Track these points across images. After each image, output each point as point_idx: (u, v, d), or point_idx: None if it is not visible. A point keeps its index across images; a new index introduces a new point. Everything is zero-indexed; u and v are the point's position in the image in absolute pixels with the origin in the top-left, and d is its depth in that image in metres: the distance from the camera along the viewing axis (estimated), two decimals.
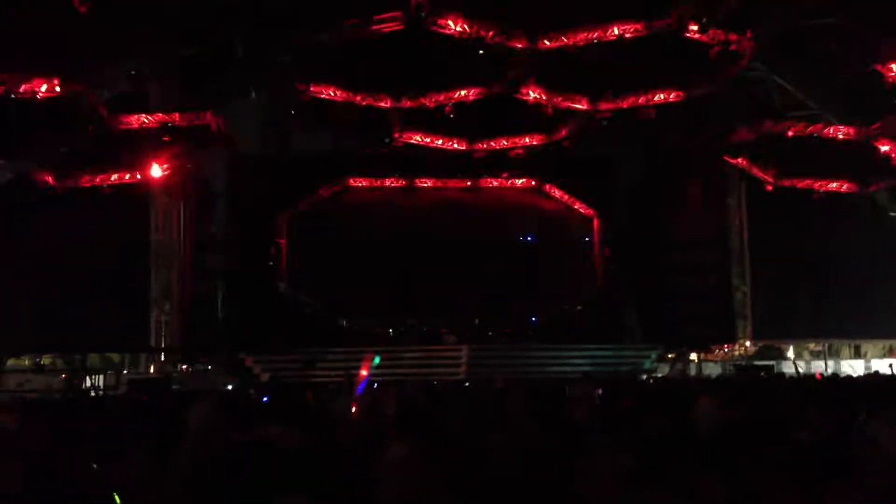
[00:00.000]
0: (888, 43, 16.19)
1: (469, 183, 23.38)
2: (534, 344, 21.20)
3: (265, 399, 8.99)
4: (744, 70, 17.90)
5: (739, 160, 20.88)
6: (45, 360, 19.71)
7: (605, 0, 16.12)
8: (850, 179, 20.90)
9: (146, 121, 17.76)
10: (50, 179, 17.82)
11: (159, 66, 17.97)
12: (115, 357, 21.75)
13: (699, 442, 4.05)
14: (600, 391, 7.79)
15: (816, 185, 20.94)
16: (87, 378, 18.37)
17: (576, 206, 23.53)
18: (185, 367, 20.68)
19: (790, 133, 19.41)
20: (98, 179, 18.57)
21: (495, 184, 23.45)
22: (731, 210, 22.05)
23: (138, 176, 18.67)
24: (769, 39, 17.66)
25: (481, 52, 16.18)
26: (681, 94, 18.18)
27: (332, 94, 17.90)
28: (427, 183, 23.36)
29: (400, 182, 23.24)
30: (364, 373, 7.17)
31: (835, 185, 21.07)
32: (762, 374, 17.33)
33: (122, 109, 17.65)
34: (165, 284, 20.30)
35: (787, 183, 20.84)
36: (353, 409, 5.91)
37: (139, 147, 18.14)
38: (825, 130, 19.48)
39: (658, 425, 5.40)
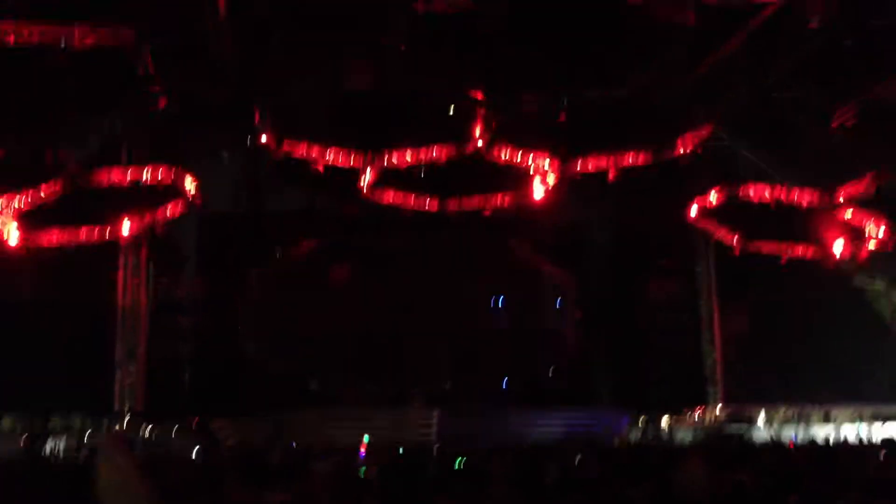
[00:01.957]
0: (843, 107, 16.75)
1: (441, 243, 23.33)
2: (505, 408, 21.00)
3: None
4: (710, 136, 18.33)
5: (708, 224, 21.21)
6: (5, 422, 19.07)
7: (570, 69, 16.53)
8: (815, 246, 21.23)
9: (116, 179, 17.61)
10: (16, 234, 17.47)
11: (130, 123, 17.95)
12: (78, 421, 21.13)
13: None
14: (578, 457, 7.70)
15: (783, 250, 21.25)
16: (48, 442, 17.79)
17: (547, 268, 23.60)
18: (149, 430, 20.13)
19: (754, 198, 19.79)
20: (66, 237, 18.28)
21: (466, 244, 23.41)
22: (700, 275, 22.35)
23: (107, 234, 18.41)
24: (732, 110, 18.23)
25: (452, 109, 16.37)
26: (649, 157, 18.47)
27: (304, 152, 17.91)
28: (398, 243, 23.25)
29: (371, 242, 23.13)
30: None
31: (800, 250, 21.37)
32: (736, 440, 17.27)
33: (91, 166, 17.53)
34: (131, 346, 19.92)
35: (752, 248, 21.13)
36: (367, 471, 5.83)
37: (109, 204, 17.94)
38: (789, 195, 19.90)
39: (642, 491, 5.33)
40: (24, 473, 8.90)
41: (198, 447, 15.60)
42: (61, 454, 15.79)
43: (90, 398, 19.16)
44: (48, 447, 17.12)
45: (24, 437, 17.53)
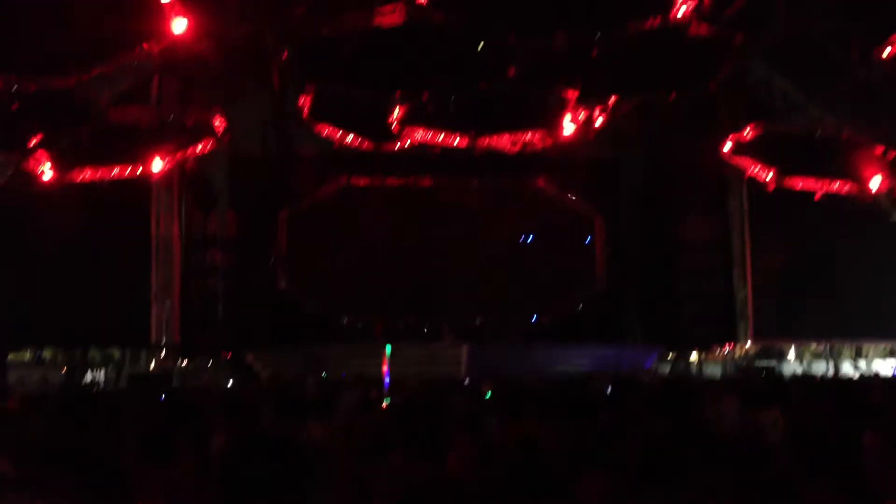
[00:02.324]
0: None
1: (471, 182, 23.24)
2: (534, 343, 21.20)
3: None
4: (745, 70, 17.90)
5: (741, 161, 20.88)
6: (46, 353, 19.68)
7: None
8: (851, 182, 20.84)
9: (147, 117, 17.73)
10: (50, 173, 17.74)
11: (163, 63, 17.94)
12: (116, 353, 21.73)
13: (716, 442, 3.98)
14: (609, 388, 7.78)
15: (818, 186, 20.89)
16: (88, 373, 18.37)
17: (578, 207, 23.47)
18: (185, 363, 20.67)
19: (792, 134, 19.42)
20: (98, 174, 18.50)
21: (499, 184, 23.31)
22: (733, 213, 22.13)
23: (139, 172, 18.61)
24: (772, 41, 17.69)
25: (483, 45, 16.10)
26: (683, 92, 18.10)
27: (334, 89, 17.79)
28: (428, 182, 23.21)
29: (401, 181, 23.12)
30: (385, 368, 7.22)
31: (836, 186, 20.99)
32: (763, 374, 17.30)
33: (123, 104, 17.64)
34: (166, 281, 20.32)
35: (788, 184, 20.80)
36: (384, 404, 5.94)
37: (140, 142, 18.09)
38: (828, 132, 19.51)
39: (668, 424, 5.37)
40: (64, 402, 9.22)
41: (232, 379, 16.03)
42: (101, 384, 16.32)
43: (127, 331, 19.66)
44: (87, 378, 17.69)
45: (64, 368, 18.11)
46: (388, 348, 10.41)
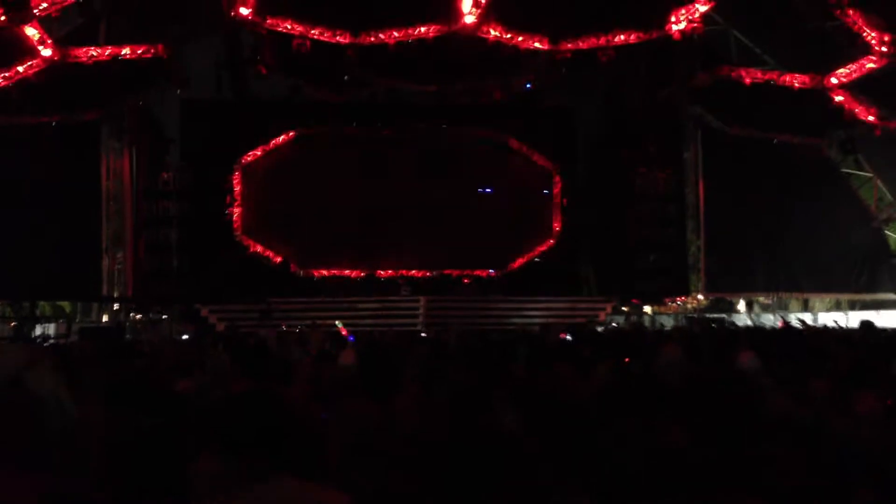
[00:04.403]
0: None
1: (430, 131, 23.02)
2: (490, 295, 21.33)
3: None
4: (702, 22, 17.89)
5: (696, 111, 21.11)
6: None
7: None
8: (803, 131, 21.14)
9: (95, 54, 17.14)
10: None
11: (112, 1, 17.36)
12: (67, 306, 21.31)
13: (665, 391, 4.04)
14: (567, 336, 7.85)
15: (770, 136, 21.16)
16: (37, 326, 17.97)
17: (535, 159, 23.46)
18: (138, 316, 20.37)
19: (747, 80, 19.56)
20: (44, 118, 17.90)
21: (455, 135, 23.14)
22: (687, 164, 22.33)
23: (88, 115, 18.08)
24: None
25: None
26: (641, 36, 18.05)
27: (289, 27, 17.37)
28: (385, 131, 22.93)
29: (358, 131, 22.81)
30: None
31: (787, 136, 21.27)
32: (713, 325, 17.62)
33: (71, 43, 17.04)
34: (117, 232, 19.89)
35: (741, 132, 21.00)
36: (351, 357, 5.92)
37: (89, 83, 17.52)
38: (781, 78, 19.70)
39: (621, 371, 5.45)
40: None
41: (191, 331, 15.84)
42: (50, 339, 15.98)
43: (78, 284, 19.24)
44: (36, 332, 17.32)
45: (13, 322, 17.71)
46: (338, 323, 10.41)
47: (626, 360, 6.27)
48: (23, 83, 16.68)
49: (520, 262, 22.73)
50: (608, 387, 4.04)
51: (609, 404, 3.65)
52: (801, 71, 19.75)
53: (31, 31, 16.04)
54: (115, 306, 20.54)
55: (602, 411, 3.58)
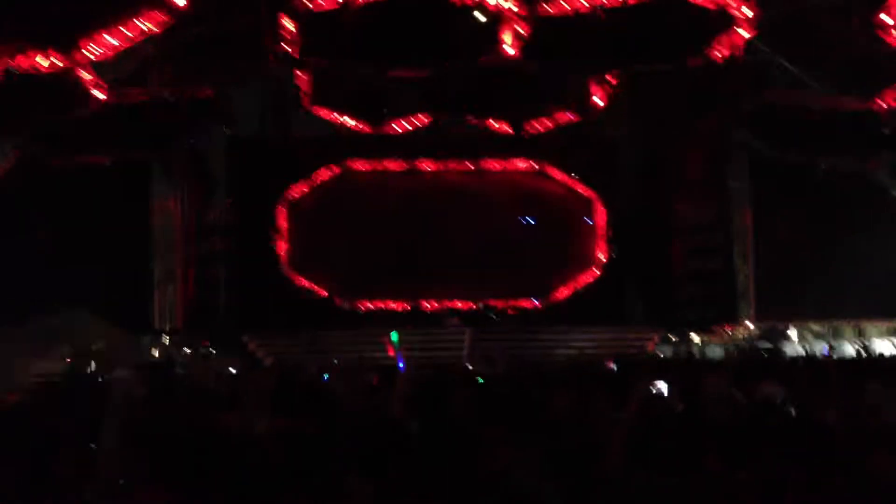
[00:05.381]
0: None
1: (471, 165, 23.18)
2: (536, 326, 21.21)
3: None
4: (746, 49, 17.74)
5: (742, 138, 20.85)
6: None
7: None
8: (853, 155, 20.76)
9: (146, 97, 17.66)
10: (47, 156, 17.64)
11: (162, 45, 17.85)
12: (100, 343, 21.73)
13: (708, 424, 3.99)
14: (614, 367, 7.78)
15: (819, 160, 20.80)
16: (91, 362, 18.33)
17: (577, 188, 23.42)
18: (188, 350, 20.67)
19: (794, 105, 19.30)
20: (98, 158, 18.44)
21: (497, 166, 23.26)
22: (733, 192, 22.06)
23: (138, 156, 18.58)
24: (771, 19, 17.54)
25: (478, 17, 15.92)
26: (683, 62, 17.94)
27: (331, 64, 17.67)
28: (429, 166, 23.15)
29: (401, 165, 23.06)
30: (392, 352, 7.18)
31: (837, 160, 20.89)
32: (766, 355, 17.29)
33: (122, 85, 17.58)
34: (168, 268, 20.32)
35: (788, 157, 20.69)
36: (401, 386, 5.91)
37: (140, 125, 18.03)
38: (829, 102, 19.40)
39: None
40: (68, 390, 9.23)
41: (238, 365, 16.01)
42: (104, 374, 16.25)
43: (131, 318, 19.65)
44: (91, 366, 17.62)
45: (69, 357, 18.06)
46: (395, 335, 10.25)
47: (653, 385, 6.11)
48: (78, 125, 17.24)
49: (563, 292, 22.61)
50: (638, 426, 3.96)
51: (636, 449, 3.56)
52: (849, 94, 19.45)
53: (86, 75, 16.58)
54: (166, 340, 20.89)
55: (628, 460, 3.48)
